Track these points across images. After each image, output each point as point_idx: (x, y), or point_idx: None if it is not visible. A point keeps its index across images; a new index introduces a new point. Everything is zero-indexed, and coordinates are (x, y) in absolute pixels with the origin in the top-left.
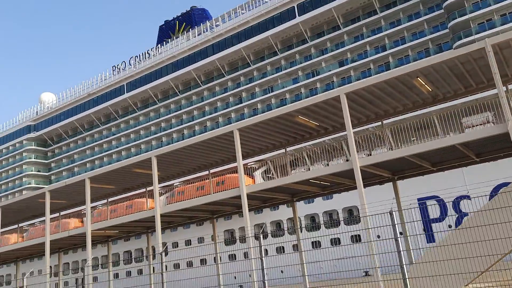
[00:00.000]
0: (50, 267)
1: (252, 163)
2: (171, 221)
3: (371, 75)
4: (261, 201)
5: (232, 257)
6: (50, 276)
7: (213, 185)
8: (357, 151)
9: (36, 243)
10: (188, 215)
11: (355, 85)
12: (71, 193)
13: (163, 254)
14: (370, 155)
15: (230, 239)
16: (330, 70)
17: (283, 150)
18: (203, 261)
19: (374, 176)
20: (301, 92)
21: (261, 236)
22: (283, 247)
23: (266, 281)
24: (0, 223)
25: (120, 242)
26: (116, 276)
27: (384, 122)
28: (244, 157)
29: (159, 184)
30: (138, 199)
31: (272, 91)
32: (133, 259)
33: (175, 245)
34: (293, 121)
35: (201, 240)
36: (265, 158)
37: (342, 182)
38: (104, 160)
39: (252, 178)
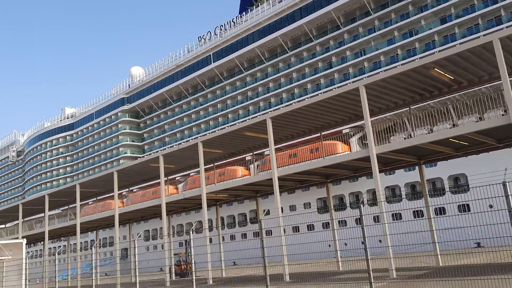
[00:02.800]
0: (173, 227)
1: (348, 129)
2: (281, 185)
3: (480, 31)
4: (382, 164)
5: (343, 223)
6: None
7: (306, 152)
8: (471, 113)
9: (152, 205)
10: (300, 179)
11: (507, 30)
12: (182, 157)
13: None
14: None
15: (339, 205)
16: (430, 29)
17: (378, 117)
18: (310, 227)
19: None
20: (397, 54)
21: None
22: (400, 214)
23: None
24: (117, 187)
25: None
26: (223, 239)
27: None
28: (360, 118)
29: (255, 151)
30: (230, 167)
31: (364, 54)
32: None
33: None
34: (426, 75)
35: (308, 205)
36: (361, 124)
37: (486, 141)
38: (193, 130)
39: (348, 145)
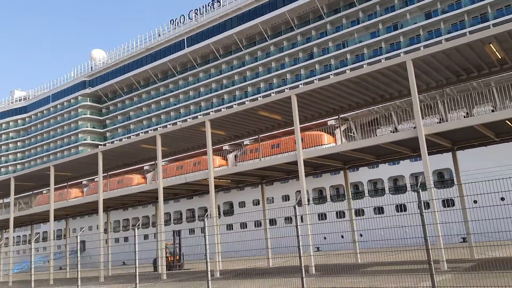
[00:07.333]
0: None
1: (332, 121)
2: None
3: (465, 28)
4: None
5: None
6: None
7: (266, 148)
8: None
9: (145, 190)
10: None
11: None
12: (180, 138)
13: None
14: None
15: (319, 198)
16: (416, 23)
17: (363, 109)
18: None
19: None
20: (380, 47)
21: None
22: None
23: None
24: (102, 168)
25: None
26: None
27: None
28: (391, 99)
29: (261, 134)
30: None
31: (347, 46)
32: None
33: (256, 202)
34: (477, 52)
35: (286, 198)
36: (346, 116)
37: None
38: (162, 117)
39: (333, 137)
